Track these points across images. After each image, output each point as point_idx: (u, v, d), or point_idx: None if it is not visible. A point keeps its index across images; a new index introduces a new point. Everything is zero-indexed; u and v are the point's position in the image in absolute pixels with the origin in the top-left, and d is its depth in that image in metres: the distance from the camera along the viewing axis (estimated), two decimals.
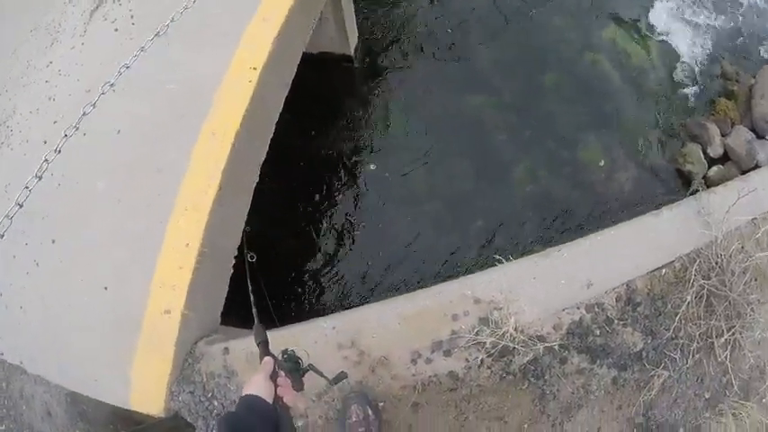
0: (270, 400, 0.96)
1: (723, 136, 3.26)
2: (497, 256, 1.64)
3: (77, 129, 1.49)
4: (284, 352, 1.14)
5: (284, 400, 0.98)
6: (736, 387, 2.12)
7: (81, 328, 1.87)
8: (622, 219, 2.19)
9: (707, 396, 2.15)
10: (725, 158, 3.24)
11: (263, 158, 1.83)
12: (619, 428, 1.94)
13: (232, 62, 1.78)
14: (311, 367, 1.13)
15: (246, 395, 0.95)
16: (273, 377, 1.03)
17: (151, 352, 1.74)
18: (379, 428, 1.57)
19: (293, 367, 1.09)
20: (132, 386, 1.79)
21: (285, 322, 1.77)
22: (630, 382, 1.90)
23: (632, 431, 1.97)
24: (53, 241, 2.00)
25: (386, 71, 2.95)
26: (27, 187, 1.39)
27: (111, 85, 1.53)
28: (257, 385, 0.97)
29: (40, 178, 1.43)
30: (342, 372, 1.17)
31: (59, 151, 1.46)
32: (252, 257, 1.77)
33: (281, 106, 1.87)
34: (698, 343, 2.01)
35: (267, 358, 1.09)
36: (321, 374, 1.14)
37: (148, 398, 1.78)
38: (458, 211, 2.67)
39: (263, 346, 1.18)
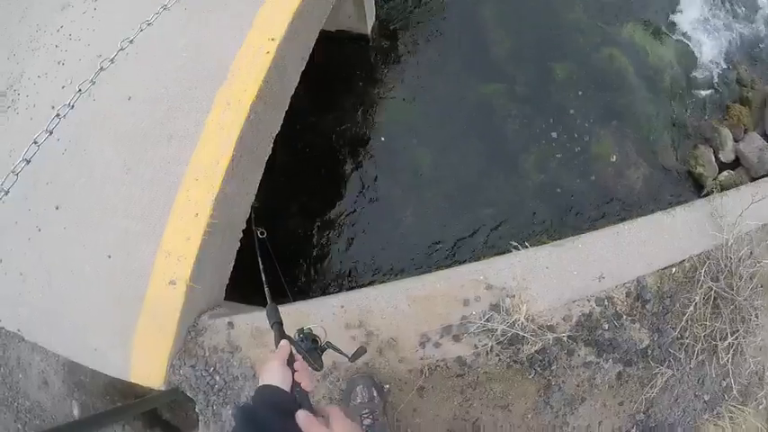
0: (287, 388, 0.89)
1: (735, 141, 3.24)
2: (513, 243, 1.61)
3: (93, 83, 1.45)
4: (300, 331, 1.08)
5: (303, 385, 0.92)
6: (735, 391, 2.12)
7: (82, 296, 1.83)
8: (630, 216, 2.16)
9: (706, 398, 2.15)
10: (736, 164, 3.23)
11: (278, 131, 1.79)
12: (620, 424, 1.93)
13: (250, 31, 1.73)
14: (330, 345, 1.07)
15: (263, 386, 0.89)
16: (290, 362, 0.96)
17: (153, 323, 1.71)
18: (383, 411, 1.55)
19: (311, 347, 1.04)
20: (132, 358, 1.76)
21: (283, 297, 1.73)
22: (634, 378, 1.90)
23: (633, 428, 1.97)
24: (57, 207, 1.96)
25: (401, 53, 2.89)
26: (36, 142, 1.35)
27: (131, 41, 1.48)
28: (273, 373, 0.91)
29: (51, 133, 1.39)
30: (361, 347, 1.13)
31: (73, 106, 1.41)
32: (262, 233, 1.71)
33: (298, 79, 1.82)
34: (702, 344, 2.00)
35: (283, 342, 1.02)
36: (340, 352, 1.09)
37: (148, 370, 1.75)
38: (466, 198, 2.64)
39: (278, 327, 1.11)
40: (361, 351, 1.14)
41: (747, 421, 2.13)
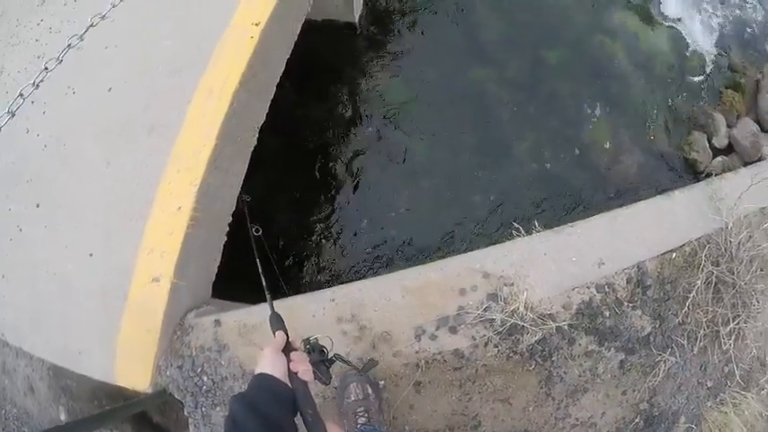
0: (281, 376, 0.87)
1: (729, 127, 3.23)
2: (516, 224, 1.55)
3: (60, 61, 1.39)
4: (306, 341, 1.03)
5: (300, 374, 0.89)
6: (738, 377, 2.09)
7: (65, 297, 1.76)
8: (625, 202, 2.13)
9: (709, 385, 2.13)
10: (729, 150, 3.21)
11: (263, 121, 1.72)
12: (623, 414, 1.89)
13: (234, 16, 1.66)
14: (338, 357, 1.05)
15: (258, 374, 0.87)
16: (287, 351, 0.94)
17: (138, 323, 1.64)
18: (378, 408, 1.49)
19: (318, 358, 1.00)
20: (117, 360, 1.69)
21: (280, 295, 1.67)
22: (637, 366, 1.86)
23: (636, 417, 1.93)
24: (38, 205, 1.89)
25: (389, 41, 2.83)
26: (21, 95, 1.30)
27: (102, 17, 1.41)
28: (267, 362, 0.89)
29: (37, 86, 1.34)
30: (371, 359, 1.09)
31: (61, 61, 1.36)
32: (257, 230, 1.61)
33: (283, 67, 1.76)
34: (704, 330, 1.97)
35: (279, 332, 0.99)
36: (349, 364, 1.06)
37: (134, 372, 1.68)
38: (458, 187, 2.60)
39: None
40: (371, 364, 1.09)
41: (750, 407, 2.10)
